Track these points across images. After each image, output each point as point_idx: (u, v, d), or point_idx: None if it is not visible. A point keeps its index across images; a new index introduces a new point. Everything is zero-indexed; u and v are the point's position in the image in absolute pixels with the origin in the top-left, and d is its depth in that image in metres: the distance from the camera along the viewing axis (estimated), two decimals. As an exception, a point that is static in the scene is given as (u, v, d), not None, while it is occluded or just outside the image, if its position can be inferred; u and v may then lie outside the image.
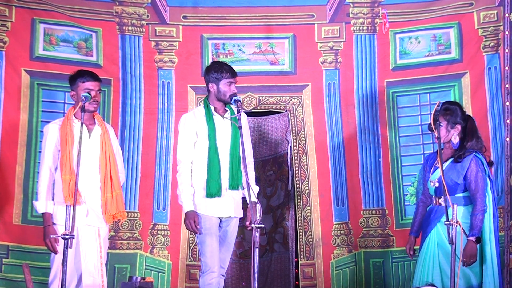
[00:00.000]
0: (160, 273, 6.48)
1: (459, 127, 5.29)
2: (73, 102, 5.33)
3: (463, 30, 6.57)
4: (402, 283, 6.51)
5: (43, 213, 5.12)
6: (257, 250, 4.60)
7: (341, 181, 6.62)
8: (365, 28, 6.67)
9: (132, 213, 6.47)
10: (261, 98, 6.70)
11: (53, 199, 5.14)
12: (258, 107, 6.73)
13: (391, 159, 6.63)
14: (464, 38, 6.57)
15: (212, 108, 5.41)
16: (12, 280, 6.17)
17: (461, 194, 5.25)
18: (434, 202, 5.34)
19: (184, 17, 6.68)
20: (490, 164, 5.39)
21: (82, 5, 6.47)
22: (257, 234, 4.60)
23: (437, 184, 5.26)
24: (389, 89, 6.67)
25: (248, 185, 4.91)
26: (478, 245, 5.13)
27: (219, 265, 5.29)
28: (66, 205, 4.68)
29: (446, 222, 4.79)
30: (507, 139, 6.24)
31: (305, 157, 6.64)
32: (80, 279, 5.14)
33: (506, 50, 6.31)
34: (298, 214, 6.62)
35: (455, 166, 5.26)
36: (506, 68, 6.30)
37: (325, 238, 6.58)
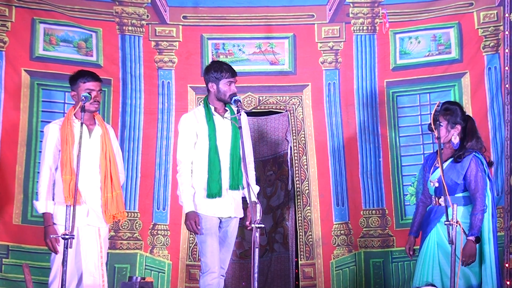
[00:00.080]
0: (160, 273, 6.48)
1: (459, 127, 5.29)
2: (73, 102, 5.33)
3: (463, 30, 6.57)
4: (402, 283, 6.51)
5: (43, 213, 5.12)
6: (257, 250, 4.60)
7: (341, 181, 6.62)
8: (365, 28, 6.67)
9: (132, 213, 6.47)
10: (261, 98, 6.70)
11: (53, 199, 5.14)
12: (258, 107, 6.73)
13: (391, 159, 6.63)
14: (464, 38, 6.57)
15: (212, 108, 5.40)
16: (12, 280, 6.17)
17: (460, 194, 5.25)
18: (434, 202, 5.34)
19: (184, 17, 6.68)
20: (489, 164, 5.39)
21: (82, 5, 6.47)
22: (257, 234, 4.60)
23: (437, 184, 5.26)
24: (389, 89, 6.67)
25: (248, 185, 4.91)
26: (477, 245, 5.13)
27: (219, 266, 5.28)
28: (67, 205, 4.68)
29: (446, 222, 4.79)
30: (507, 139, 6.24)
31: (305, 157, 6.64)
32: (80, 279, 5.14)
33: (506, 50, 6.31)
34: (298, 214, 6.62)
35: (455, 166, 5.26)
36: (506, 68, 6.30)
37: (325, 238, 6.58)
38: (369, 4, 6.65)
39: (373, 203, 6.61)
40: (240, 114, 5.13)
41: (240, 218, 5.47)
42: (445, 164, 5.25)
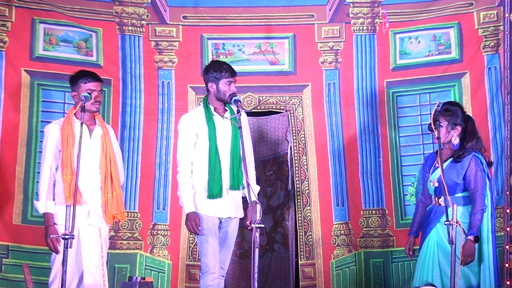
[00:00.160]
0: (160, 273, 6.48)
1: (459, 128, 5.29)
2: (73, 102, 5.33)
3: (463, 30, 6.57)
4: (402, 283, 6.51)
5: (44, 213, 5.11)
6: (257, 250, 4.60)
7: (341, 181, 6.62)
8: (365, 28, 6.67)
9: (132, 213, 6.47)
10: (261, 98, 6.70)
11: (54, 200, 5.14)
12: (258, 107, 6.72)
13: (391, 159, 6.63)
14: (464, 38, 6.57)
15: (212, 108, 5.39)
16: (12, 280, 6.17)
17: (460, 194, 5.25)
18: (434, 202, 5.34)
19: (184, 17, 6.68)
20: (489, 164, 5.40)
21: (82, 5, 6.47)
22: (257, 234, 4.60)
23: (436, 184, 5.27)
24: (389, 89, 6.67)
25: (248, 185, 4.91)
26: (476, 244, 5.13)
27: (219, 266, 5.28)
28: (67, 205, 4.68)
29: (446, 222, 4.79)
30: (507, 139, 6.24)
31: (305, 157, 6.64)
32: (81, 279, 5.14)
33: (506, 50, 6.30)
34: (298, 214, 6.62)
35: (454, 166, 5.26)
36: (506, 68, 6.30)
37: (325, 238, 6.58)
38: (369, 4, 6.65)
39: (373, 203, 6.61)
40: (240, 114, 5.13)
41: (240, 218, 5.47)
42: (445, 164, 5.25)
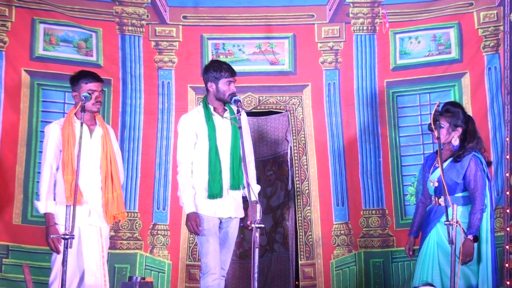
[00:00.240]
0: (160, 273, 6.48)
1: (460, 129, 5.29)
2: (73, 102, 5.33)
3: (463, 30, 6.57)
4: (402, 283, 6.51)
5: (45, 214, 5.11)
6: (257, 250, 4.59)
7: (341, 181, 6.62)
8: (365, 28, 6.67)
9: (132, 213, 6.47)
10: (261, 98, 6.70)
11: (54, 199, 5.14)
12: (258, 107, 6.72)
13: (391, 159, 6.63)
14: (464, 38, 6.57)
15: (211, 108, 5.39)
16: (12, 280, 6.17)
17: (460, 194, 5.25)
18: (434, 202, 5.34)
19: (184, 17, 6.68)
20: (488, 164, 5.39)
21: (82, 5, 6.47)
22: (257, 234, 4.60)
23: (436, 184, 5.27)
24: (389, 89, 6.67)
25: (248, 185, 4.90)
26: (475, 244, 5.13)
27: (219, 266, 5.27)
28: (68, 205, 4.68)
29: (446, 222, 4.79)
30: (507, 139, 6.24)
31: (305, 157, 6.64)
32: (81, 279, 5.14)
33: (506, 50, 6.30)
34: (298, 214, 6.62)
35: (454, 165, 5.26)
36: (506, 68, 6.30)
37: (325, 238, 6.58)
38: (369, 4, 6.65)
39: (373, 203, 6.61)
40: (240, 114, 5.13)
41: (241, 218, 5.47)
42: (445, 164, 5.25)
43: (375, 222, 6.61)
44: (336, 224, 6.60)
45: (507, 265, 6.08)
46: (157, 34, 6.65)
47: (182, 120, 5.43)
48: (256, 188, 5.28)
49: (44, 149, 5.23)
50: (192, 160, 5.33)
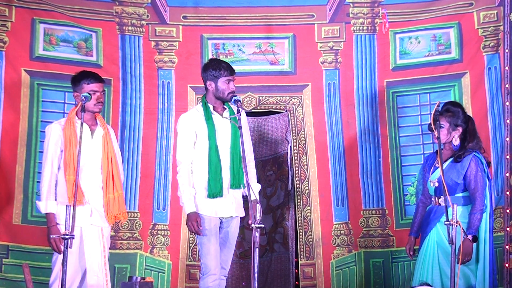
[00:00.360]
0: (160, 273, 6.48)
1: (460, 129, 5.30)
2: (74, 102, 5.33)
3: (463, 30, 6.57)
4: (402, 283, 6.51)
5: (46, 214, 5.11)
6: (257, 250, 4.59)
7: (341, 181, 6.62)
8: (365, 28, 6.67)
9: (132, 213, 6.47)
10: (261, 98, 6.70)
11: (56, 199, 5.14)
12: (258, 107, 6.72)
13: (391, 159, 6.63)
14: (464, 38, 6.57)
15: (211, 107, 5.38)
16: (12, 280, 6.17)
17: (460, 194, 5.25)
18: (434, 202, 5.34)
19: (184, 17, 6.68)
20: (488, 164, 5.40)
21: (82, 5, 6.47)
22: (257, 234, 4.59)
23: (436, 184, 5.27)
24: (389, 89, 6.67)
25: (248, 184, 4.90)
26: (474, 244, 5.13)
27: (219, 267, 5.26)
28: (69, 205, 4.68)
29: (446, 222, 4.79)
30: (507, 139, 6.24)
31: (305, 157, 6.64)
32: (83, 278, 5.14)
33: (506, 50, 6.31)
34: (298, 214, 6.62)
35: (455, 165, 5.26)
36: (506, 68, 6.30)
37: (325, 238, 6.58)
38: (369, 4, 6.65)
39: (373, 203, 6.61)
40: (240, 114, 5.12)
41: (241, 218, 5.46)
42: (445, 164, 5.25)
43: (375, 222, 6.61)
44: (336, 224, 6.60)
45: (507, 265, 6.08)
46: (157, 34, 6.65)
47: (181, 120, 5.42)
48: (256, 187, 5.28)
49: (45, 149, 5.23)
50: (192, 159, 5.32)
